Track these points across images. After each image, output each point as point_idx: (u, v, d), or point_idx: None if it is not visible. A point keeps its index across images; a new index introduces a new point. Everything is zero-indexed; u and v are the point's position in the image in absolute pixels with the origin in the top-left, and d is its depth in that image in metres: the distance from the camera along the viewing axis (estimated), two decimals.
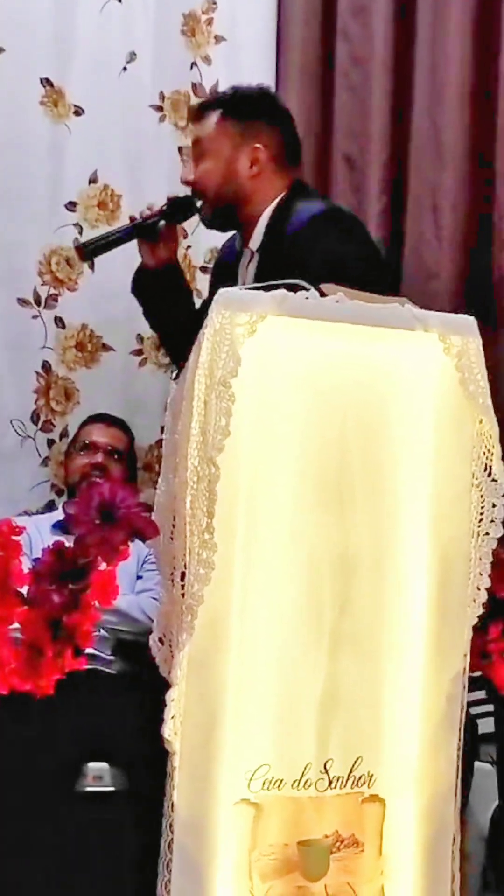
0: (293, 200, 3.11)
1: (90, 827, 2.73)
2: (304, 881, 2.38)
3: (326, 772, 2.40)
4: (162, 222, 3.22)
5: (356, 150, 4.09)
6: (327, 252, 2.92)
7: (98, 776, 3.17)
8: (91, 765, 3.16)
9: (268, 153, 3.14)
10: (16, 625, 2.34)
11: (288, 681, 2.37)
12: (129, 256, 3.92)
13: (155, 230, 3.22)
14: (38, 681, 2.33)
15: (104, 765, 3.19)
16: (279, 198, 3.12)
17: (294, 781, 2.38)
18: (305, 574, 2.38)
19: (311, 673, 2.38)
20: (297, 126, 3.89)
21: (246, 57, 4.10)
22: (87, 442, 3.65)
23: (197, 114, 3.21)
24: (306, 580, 2.38)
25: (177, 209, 3.24)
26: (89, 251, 3.27)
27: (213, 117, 3.15)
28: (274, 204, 3.11)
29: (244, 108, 3.18)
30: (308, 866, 2.39)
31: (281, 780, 2.37)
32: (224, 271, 3.25)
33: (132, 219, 3.34)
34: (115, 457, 3.61)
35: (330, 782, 2.40)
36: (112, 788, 3.18)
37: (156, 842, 2.34)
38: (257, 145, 3.14)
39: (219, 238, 3.99)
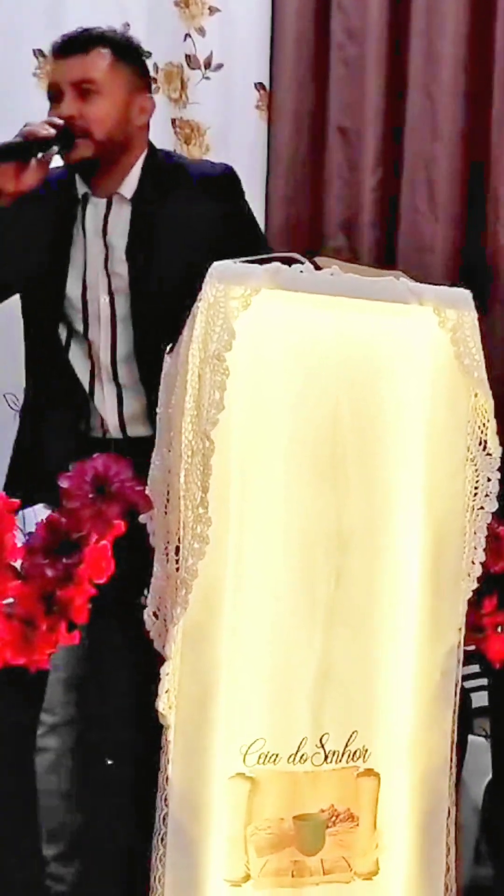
0: (158, 154, 3.12)
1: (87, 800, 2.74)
2: (300, 855, 2.39)
3: (322, 746, 2.40)
4: (54, 148, 2.94)
5: (351, 124, 4.08)
6: (243, 206, 3.11)
7: None
8: None
9: (151, 105, 3.12)
10: (9, 599, 2.33)
11: (282, 655, 2.36)
12: None
13: (33, 151, 2.90)
14: (32, 655, 2.32)
15: None
16: (147, 150, 3.09)
17: (290, 756, 2.38)
18: (299, 548, 2.38)
19: (305, 647, 2.38)
20: (293, 100, 3.92)
21: (240, 28, 4.07)
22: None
23: (79, 46, 3.02)
24: (300, 555, 2.38)
25: (69, 140, 2.97)
26: None
27: (106, 57, 3.03)
28: (144, 155, 3.07)
29: (136, 54, 3.12)
30: (304, 841, 2.39)
31: (276, 755, 2.37)
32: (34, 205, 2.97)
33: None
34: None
35: (325, 757, 2.40)
36: (108, 762, 3.19)
37: (150, 816, 2.34)
38: (148, 95, 3.12)
39: None
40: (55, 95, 3.02)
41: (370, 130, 4.03)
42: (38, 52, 3.83)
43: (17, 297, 3.79)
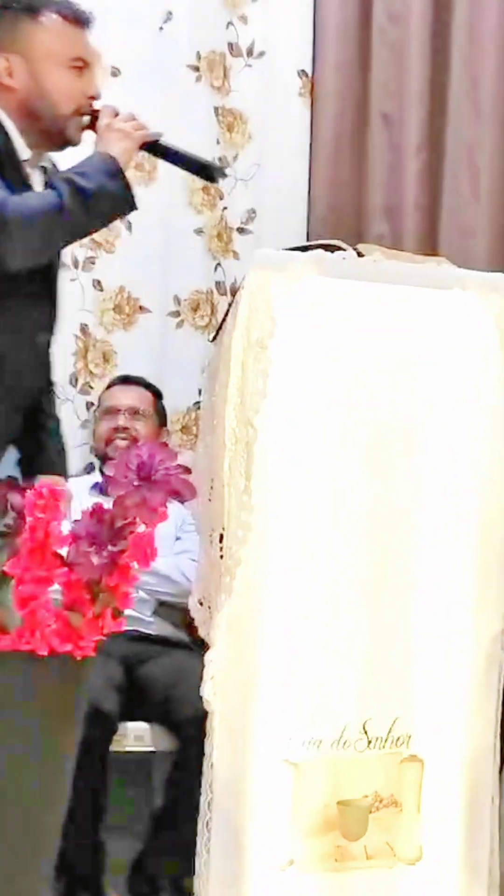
0: None
1: (129, 786, 2.76)
2: (344, 840, 2.39)
3: (365, 732, 2.41)
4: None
5: (394, 109, 4.07)
6: None
7: (139, 736, 3.20)
8: (131, 725, 3.20)
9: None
10: (56, 587, 2.35)
11: (327, 641, 2.37)
12: (164, 219, 3.93)
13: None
14: (78, 642, 2.34)
15: (145, 725, 3.23)
16: None
17: (333, 741, 2.38)
18: (343, 535, 2.38)
19: (349, 634, 2.38)
20: (336, 85, 3.90)
21: (282, 15, 4.08)
22: (108, 406, 3.66)
23: (86, 23, 2.81)
24: (344, 541, 2.38)
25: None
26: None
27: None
28: None
29: None
30: (348, 826, 2.40)
31: (320, 741, 2.38)
32: None
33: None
34: (139, 416, 3.62)
35: (369, 742, 2.41)
36: (152, 749, 3.21)
37: (195, 802, 2.35)
38: None
39: (255, 199, 4.00)
40: None
41: (413, 115, 4.02)
42: None
43: (62, 285, 3.83)
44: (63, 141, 2.76)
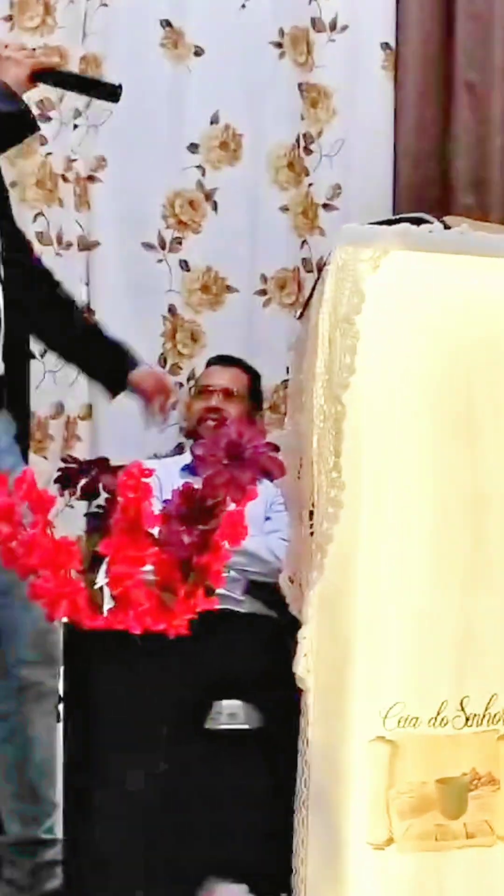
0: None
1: (223, 764, 2.77)
2: (443, 819, 2.37)
3: (462, 709, 2.39)
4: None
5: (479, 80, 4.02)
6: None
7: (232, 714, 3.21)
8: (225, 703, 3.21)
9: None
10: (148, 566, 2.36)
11: (421, 617, 2.35)
12: (250, 198, 3.93)
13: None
14: (172, 620, 2.35)
15: (238, 702, 3.24)
16: None
17: (430, 719, 2.37)
18: (436, 510, 2.36)
19: (444, 609, 2.36)
20: (420, 58, 3.85)
21: None
22: (203, 385, 3.68)
23: None
24: (437, 516, 2.36)
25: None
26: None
27: None
28: None
29: None
30: (447, 804, 2.38)
31: (417, 718, 2.36)
32: None
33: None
34: (232, 397, 3.62)
35: (466, 720, 2.39)
36: (246, 726, 3.22)
37: (289, 779, 2.34)
38: None
39: (340, 174, 3.98)
40: None
41: (498, 85, 3.98)
42: (165, 23, 3.85)
43: (150, 267, 3.85)
44: None
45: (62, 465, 2.60)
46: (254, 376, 3.72)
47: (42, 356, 3.43)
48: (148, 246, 3.86)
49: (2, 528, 2.32)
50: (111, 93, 2.99)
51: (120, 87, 2.97)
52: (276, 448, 2.43)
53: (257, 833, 3.09)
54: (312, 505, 2.33)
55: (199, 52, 3.88)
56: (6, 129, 2.86)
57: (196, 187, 3.88)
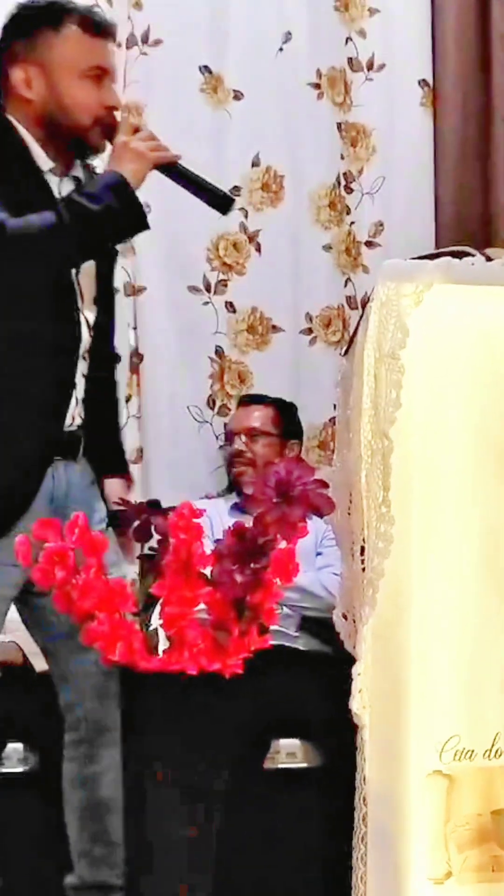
0: None
1: (281, 803, 2.76)
2: (501, 850, 2.37)
3: None
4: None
5: None
6: None
7: (291, 753, 3.21)
8: (283, 741, 3.21)
9: None
10: (201, 606, 2.37)
11: (473, 650, 2.35)
12: (293, 238, 3.96)
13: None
14: (226, 660, 2.36)
15: (297, 741, 3.23)
16: None
17: (485, 751, 2.36)
18: (485, 542, 2.36)
19: (495, 641, 2.36)
20: (458, 93, 3.87)
21: (400, 27, 4.10)
22: (228, 430, 3.71)
23: (106, 33, 2.78)
24: (486, 548, 2.36)
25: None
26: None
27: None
28: None
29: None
30: (503, 835, 2.37)
31: (472, 751, 2.36)
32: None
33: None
34: (256, 436, 3.63)
35: None
36: (305, 765, 3.21)
37: (347, 816, 2.34)
38: None
39: (382, 211, 4.00)
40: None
41: None
42: (205, 69, 3.90)
43: (196, 309, 3.87)
44: (85, 151, 2.75)
45: (115, 508, 2.62)
46: (281, 408, 3.72)
47: None
48: (194, 289, 3.89)
49: (57, 573, 2.34)
50: (222, 203, 2.77)
51: (233, 199, 2.81)
52: (325, 485, 2.44)
53: (316, 871, 3.09)
54: (363, 540, 2.34)
55: (238, 97, 3.92)
56: (117, 227, 2.67)
57: (239, 229, 3.92)
